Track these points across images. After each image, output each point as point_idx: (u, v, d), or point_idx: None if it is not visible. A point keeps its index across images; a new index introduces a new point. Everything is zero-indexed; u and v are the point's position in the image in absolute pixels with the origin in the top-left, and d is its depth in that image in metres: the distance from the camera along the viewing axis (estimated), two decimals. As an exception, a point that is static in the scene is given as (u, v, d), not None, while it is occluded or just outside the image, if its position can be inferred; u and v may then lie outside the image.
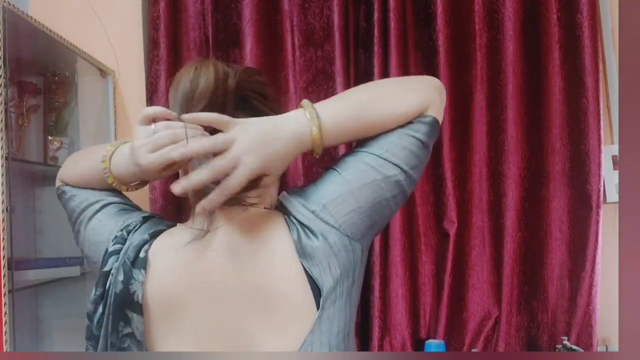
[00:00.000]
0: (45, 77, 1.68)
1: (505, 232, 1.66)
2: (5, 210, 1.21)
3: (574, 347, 1.57)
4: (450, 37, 1.69)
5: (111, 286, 0.76)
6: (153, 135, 0.75)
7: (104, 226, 0.87)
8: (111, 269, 0.78)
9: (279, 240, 0.80)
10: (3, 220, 1.20)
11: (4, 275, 1.19)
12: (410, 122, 0.85)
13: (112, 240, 0.82)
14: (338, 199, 0.80)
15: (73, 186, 0.96)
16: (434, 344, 1.58)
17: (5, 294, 1.19)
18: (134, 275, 0.76)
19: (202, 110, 0.78)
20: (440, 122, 0.89)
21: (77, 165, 0.98)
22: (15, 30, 1.32)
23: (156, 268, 0.78)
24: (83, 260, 1.62)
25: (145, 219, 0.87)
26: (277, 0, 1.73)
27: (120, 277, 0.76)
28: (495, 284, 1.68)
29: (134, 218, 0.87)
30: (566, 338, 1.59)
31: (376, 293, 1.65)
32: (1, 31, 1.23)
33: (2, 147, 1.21)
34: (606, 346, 1.67)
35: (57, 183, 1.01)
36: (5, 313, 1.19)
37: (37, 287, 1.57)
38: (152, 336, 0.76)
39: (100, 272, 0.79)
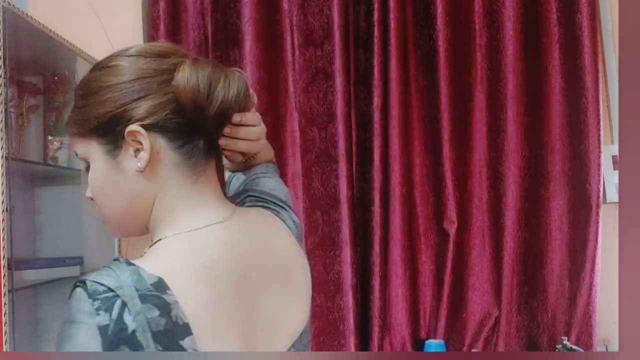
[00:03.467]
0: (45, 77, 1.67)
1: (505, 232, 1.66)
2: (5, 210, 1.21)
3: (574, 347, 1.57)
4: (450, 37, 1.69)
5: (144, 335, 0.63)
6: None
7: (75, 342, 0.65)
8: (134, 329, 0.63)
9: (279, 224, 0.84)
10: (3, 220, 1.20)
11: (4, 275, 1.19)
12: None
13: (99, 313, 0.63)
14: (285, 191, 0.90)
15: None
16: (434, 344, 1.58)
17: (5, 294, 1.19)
18: (166, 300, 0.65)
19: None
20: None
21: None
22: (15, 30, 1.32)
23: (179, 281, 0.68)
24: (83, 260, 1.62)
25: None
26: (276, 0, 1.73)
27: (155, 313, 0.64)
28: (495, 284, 1.68)
29: (83, 292, 0.66)
30: (566, 338, 1.59)
31: (376, 293, 1.65)
32: (1, 31, 1.23)
33: (2, 147, 1.21)
34: (606, 346, 1.67)
35: None
36: (5, 313, 1.19)
37: (37, 287, 1.57)
38: (208, 348, 0.68)
39: (128, 339, 0.63)
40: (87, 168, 0.75)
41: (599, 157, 1.64)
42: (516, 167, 1.67)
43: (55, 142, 1.63)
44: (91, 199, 0.77)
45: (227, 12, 1.72)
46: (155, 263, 0.68)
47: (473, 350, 1.65)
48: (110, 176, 0.73)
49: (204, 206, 0.76)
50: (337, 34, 1.69)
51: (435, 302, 1.70)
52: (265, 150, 0.90)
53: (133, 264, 0.67)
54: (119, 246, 1.74)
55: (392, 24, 1.66)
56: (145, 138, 0.69)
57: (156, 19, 1.70)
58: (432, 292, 1.71)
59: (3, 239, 1.20)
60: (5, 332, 1.19)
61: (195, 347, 0.66)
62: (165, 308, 0.64)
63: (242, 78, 0.76)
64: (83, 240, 1.67)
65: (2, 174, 1.21)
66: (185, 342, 0.65)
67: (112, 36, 1.78)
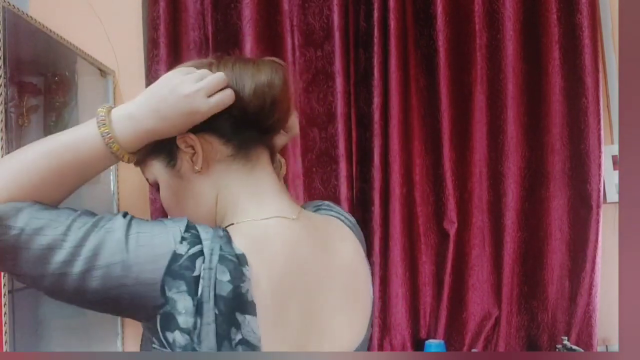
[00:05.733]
0: (45, 77, 1.67)
1: (505, 232, 1.66)
2: (5, 210, 1.21)
3: (574, 347, 1.57)
4: (450, 37, 1.69)
5: (207, 290, 0.66)
6: (203, 80, 0.74)
7: (156, 236, 0.69)
8: (200, 274, 0.67)
9: (346, 233, 0.86)
10: (3, 220, 1.20)
11: (4, 275, 1.19)
12: None
13: (182, 243, 0.68)
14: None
15: (30, 203, 0.69)
16: (434, 344, 1.58)
17: (5, 294, 1.19)
18: (244, 272, 0.68)
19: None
20: None
21: (26, 164, 0.71)
22: (15, 30, 1.32)
23: (254, 263, 0.71)
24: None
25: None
26: (277, 0, 1.73)
27: (226, 278, 0.67)
28: (495, 284, 1.68)
29: (184, 220, 0.73)
30: (566, 338, 1.59)
31: (376, 293, 1.65)
32: (1, 31, 1.23)
33: (2, 147, 1.21)
34: (606, 346, 1.67)
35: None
36: (5, 313, 1.19)
37: (37, 287, 1.57)
38: (267, 339, 0.70)
39: (189, 279, 0.67)
40: (158, 189, 0.81)
41: (599, 157, 1.64)
42: (516, 167, 1.68)
43: (56, 142, 1.63)
44: None
45: (227, 13, 1.73)
46: (236, 241, 0.72)
47: (473, 350, 1.65)
48: (175, 186, 0.79)
49: (267, 196, 0.79)
50: (337, 35, 1.69)
51: (435, 302, 1.70)
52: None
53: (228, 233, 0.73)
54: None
55: (392, 24, 1.66)
56: (195, 140, 0.75)
57: (156, 19, 1.70)
58: (432, 292, 1.71)
59: (3, 239, 1.19)
60: (6, 332, 1.19)
61: (253, 329, 0.68)
62: (238, 279, 0.68)
63: (274, 65, 0.80)
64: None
65: (2, 174, 1.20)
66: (245, 317, 0.67)
67: (112, 36, 1.78)
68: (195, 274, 0.67)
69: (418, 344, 1.68)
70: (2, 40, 1.23)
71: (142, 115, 0.73)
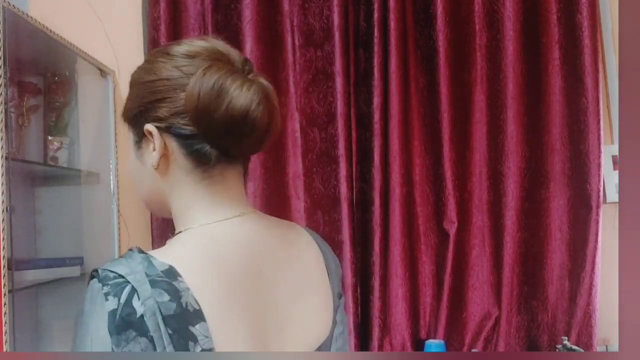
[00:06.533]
0: (45, 77, 1.67)
1: (505, 232, 1.66)
2: (5, 210, 1.21)
3: (574, 347, 1.57)
4: (450, 37, 1.69)
5: (154, 320, 0.65)
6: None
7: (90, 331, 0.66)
8: (142, 312, 0.64)
9: (301, 231, 0.85)
10: (3, 220, 1.20)
11: (4, 275, 1.19)
12: None
13: (108, 299, 0.65)
14: None
15: None
16: (434, 344, 1.58)
17: (5, 294, 1.19)
18: (178, 287, 0.66)
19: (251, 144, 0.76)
20: None
21: None
22: (15, 30, 1.32)
23: (193, 269, 0.70)
24: (83, 260, 1.62)
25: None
26: (277, 0, 1.74)
27: (166, 298, 0.65)
28: (495, 284, 1.68)
29: (95, 281, 0.68)
30: (566, 338, 1.59)
31: (376, 293, 1.65)
32: (1, 31, 1.23)
33: (2, 147, 1.21)
34: (606, 346, 1.67)
35: None
36: (5, 313, 1.19)
37: (37, 287, 1.57)
38: (219, 338, 0.69)
39: (135, 322, 0.64)
40: None
41: (599, 157, 1.64)
42: (516, 167, 1.68)
43: (55, 142, 1.63)
44: None
45: (227, 13, 1.73)
46: (168, 252, 0.71)
47: (473, 350, 1.65)
48: (136, 164, 0.78)
49: (219, 205, 0.77)
50: (337, 35, 1.69)
51: (435, 302, 1.70)
52: None
53: (145, 253, 0.69)
54: (119, 246, 1.74)
55: (392, 24, 1.66)
56: (157, 138, 0.73)
57: (156, 19, 1.70)
58: (432, 292, 1.71)
59: (3, 239, 1.20)
60: (6, 332, 1.19)
61: (207, 335, 0.67)
62: (176, 294, 0.66)
63: (260, 90, 0.76)
64: (83, 240, 1.67)
65: (2, 174, 1.21)
66: (196, 329, 0.66)
67: (112, 36, 1.78)
68: (139, 314, 0.64)
69: (418, 344, 1.68)
70: (2, 40, 1.23)
71: None
